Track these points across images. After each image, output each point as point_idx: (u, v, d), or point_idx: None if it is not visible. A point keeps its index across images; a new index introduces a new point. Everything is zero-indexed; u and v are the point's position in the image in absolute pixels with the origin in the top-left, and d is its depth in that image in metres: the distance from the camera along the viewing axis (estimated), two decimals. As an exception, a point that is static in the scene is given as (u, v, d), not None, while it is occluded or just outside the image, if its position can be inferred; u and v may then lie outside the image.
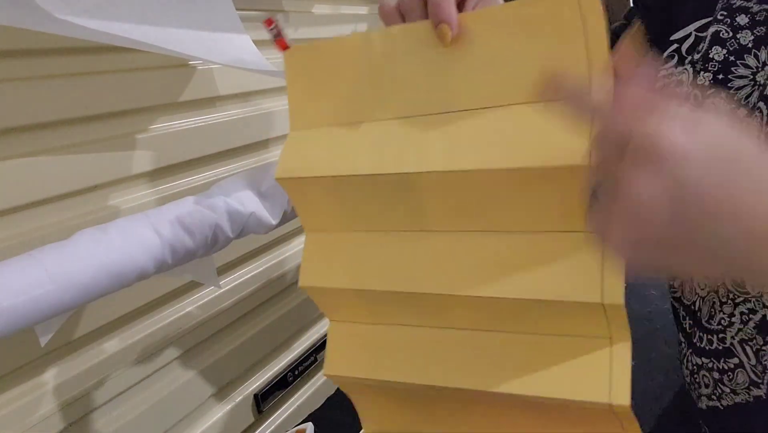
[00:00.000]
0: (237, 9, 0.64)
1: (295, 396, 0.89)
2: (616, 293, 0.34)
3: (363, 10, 1.05)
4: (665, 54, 0.49)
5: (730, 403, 0.46)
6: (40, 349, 0.55)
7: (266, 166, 0.60)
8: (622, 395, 0.36)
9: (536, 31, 0.35)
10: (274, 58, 0.82)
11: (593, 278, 0.35)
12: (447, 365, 0.41)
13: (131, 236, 0.48)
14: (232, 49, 0.61)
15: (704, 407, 0.50)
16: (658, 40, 0.50)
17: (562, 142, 0.33)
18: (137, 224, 0.49)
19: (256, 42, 0.65)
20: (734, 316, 0.45)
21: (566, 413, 0.38)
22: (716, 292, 0.47)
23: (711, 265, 0.27)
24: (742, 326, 0.45)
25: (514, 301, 0.37)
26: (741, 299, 0.45)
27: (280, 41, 0.43)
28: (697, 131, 0.25)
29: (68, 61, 0.58)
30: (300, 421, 0.79)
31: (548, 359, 0.38)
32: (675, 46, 0.49)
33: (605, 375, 0.36)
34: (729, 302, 0.46)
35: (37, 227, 0.55)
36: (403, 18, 0.40)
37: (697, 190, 0.25)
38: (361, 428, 0.73)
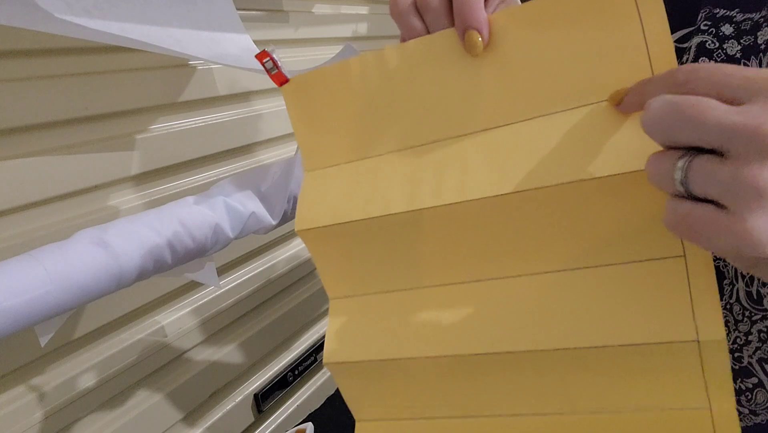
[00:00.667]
0: (237, 8, 0.64)
1: (295, 396, 0.89)
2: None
3: (363, 9, 1.05)
4: None
5: (749, 424, 0.45)
6: (40, 349, 0.55)
7: (266, 167, 0.60)
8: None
9: (581, 24, 0.30)
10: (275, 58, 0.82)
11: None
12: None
13: (131, 236, 0.48)
14: (233, 49, 0.61)
15: None
16: None
17: (631, 146, 0.28)
18: (137, 224, 0.49)
19: (256, 42, 0.65)
20: (751, 334, 0.44)
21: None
22: (730, 310, 0.45)
23: None
24: (760, 345, 0.44)
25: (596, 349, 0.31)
26: (758, 316, 0.44)
27: (276, 75, 0.38)
28: None
29: (68, 61, 0.58)
30: (300, 421, 0.79)
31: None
32: None
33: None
34: (745, 320, 0.44)
35: (37, 227, 0.55)
36: (422, 18, 0.34)
37: None
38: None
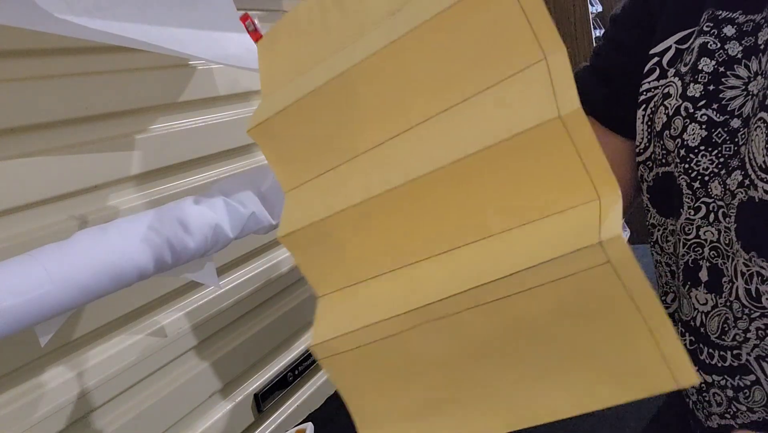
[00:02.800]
0: (237, 9, 0.64)
1: (295, 396, 0.89)
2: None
3: (363, 10, 1.05)
4: (646, 68, 0.49)
5: (746, 421, 0.46)
6: (40, 349, 0.55)
7: (266, 167, 0.60)
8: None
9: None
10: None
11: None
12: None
13: (131, 236, 0.48)
14: (233, 49, 0.61)
15: (715, 426, 0.49)
16: (635, 55, 0.50)
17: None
18: (137, 224, 0.49)
19: (256, 42, 0.65)
20: (750, 331, 0.44)
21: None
22: (729, 307, 0.46)
23: None
24: (758, 342, 0.44)
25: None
26: (757, 314, 0.44)
27: (254, 33, 0.46)
28: None
29: (68, 61, 0.58)
30: (300, 421, 0.79)
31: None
32: (656, 59, 0.49)
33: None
34: (744, 317, 0.45)
35: (37, 227, 0.55)
36: None
37: None
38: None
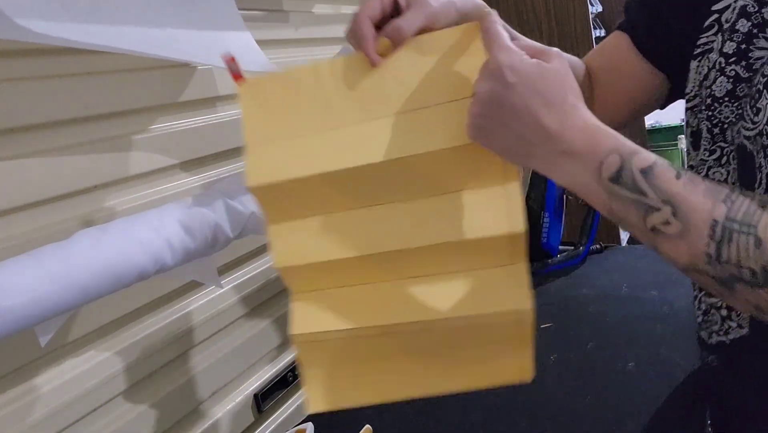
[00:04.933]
0: (239, 8, 0.64)
1: (295, 396, 0.89)
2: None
3: (363, 10, 1.05)
4: (706, 23, 0.51)
5: (736, 336, 0.50)
6: (40, 349, 0.55)
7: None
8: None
9: (448, 52, 0.46)
10: (276, 57, 0.82)
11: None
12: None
13: (131, 237, 0.48)
14: (234, 49, 0.62)
15: (714, 342, 0.53)
16: (698, 11, 0.52)
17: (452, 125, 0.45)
18: (137, 224, 0.49)
19: (257, 41, 0.65)
20: None
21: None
22: None
23: (513, 151, 0.42)
24: None
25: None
26: None
27: (236, 75, 0.47)
28: (522, 65, 0.40)
29: (68, 61, 0.58)
30: (300, 421, 0.79)
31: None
32: (716, 15, 0.51)
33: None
34: None
35: (37, 227, 0.55)
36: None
37: (508, 97, 0.40)
38: (360, 427, 0.73)
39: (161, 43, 0.53)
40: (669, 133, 3.12)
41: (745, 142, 0.46)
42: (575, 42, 1.71)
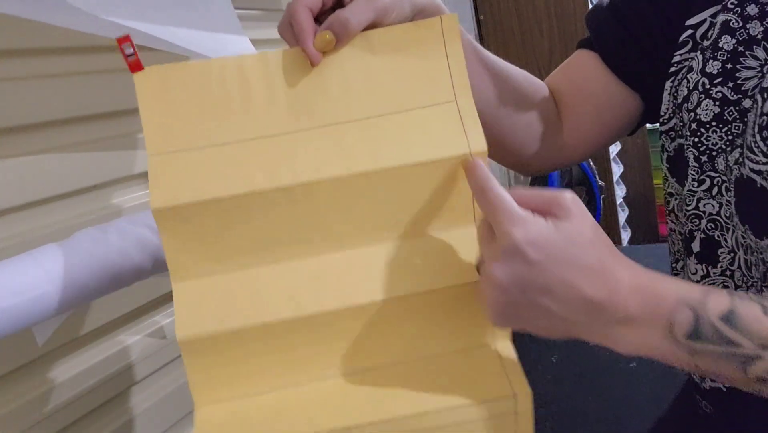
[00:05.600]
0: (235, 8, 0.63)
1: (296, 396, 0.89)
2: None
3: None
4: (680, 39, 0.49)
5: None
6: (39, 349, 0.55)
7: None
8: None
9: (403, 51, 0.40)
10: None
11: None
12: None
13: (130, 236, 0.48)
14: (231, 50, 0.61)
15: (707, 387, 0.50)
16: (670, 25, 0.50)
17: (444, 140, 0.38)
18: (136, 224, 0.49)
19: (254, 41, 0.65)
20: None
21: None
22: (731, 276, 0.48)
23: (555, 329, 0.36)
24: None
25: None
26: (749, 283, 0.46)
27: (134, 62, 0.40)
28: (542, 237, 0.34)
29: (68, 61, 0.58)
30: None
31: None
32: (690, 32, 0.49)
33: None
34: (743, 285, 0.47)
35: (37, 227, 0.55)
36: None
37: (537, 278, 0.34)
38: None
39: (167, 38, 0.53)
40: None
41: (753, 175, 0.42)
42: (575, 41, 1.72)
